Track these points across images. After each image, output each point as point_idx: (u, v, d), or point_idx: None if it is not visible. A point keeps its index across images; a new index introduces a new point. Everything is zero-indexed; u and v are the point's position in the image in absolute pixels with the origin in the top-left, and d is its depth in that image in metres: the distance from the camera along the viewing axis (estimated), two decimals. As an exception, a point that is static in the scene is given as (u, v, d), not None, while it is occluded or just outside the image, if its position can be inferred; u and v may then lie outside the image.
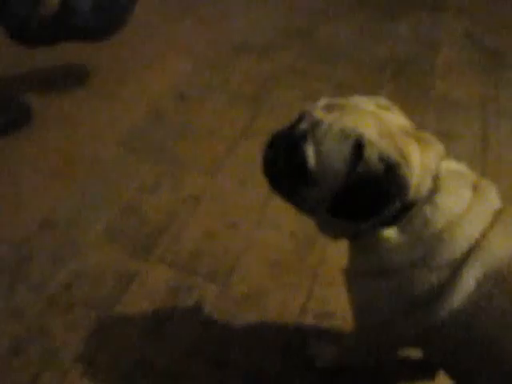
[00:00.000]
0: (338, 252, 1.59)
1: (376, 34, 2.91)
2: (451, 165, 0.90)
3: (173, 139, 2.09)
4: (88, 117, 2.21)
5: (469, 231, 0.81)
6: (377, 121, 0.86)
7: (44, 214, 1.75)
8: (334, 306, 1.47)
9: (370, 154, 0.81)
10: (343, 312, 1.44)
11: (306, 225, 1.70)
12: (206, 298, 1.49)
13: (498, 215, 0.84)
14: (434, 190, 0.84)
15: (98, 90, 2.39)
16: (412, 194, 0.83)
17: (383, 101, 0.95)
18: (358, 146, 0.83)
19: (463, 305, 0.81)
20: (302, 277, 1.55)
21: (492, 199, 0.87)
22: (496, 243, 0.81)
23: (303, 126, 0.89)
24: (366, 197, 0.83)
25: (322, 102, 0.93)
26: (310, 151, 0.86)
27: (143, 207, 1.78)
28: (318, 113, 0.89)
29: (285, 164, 0.92)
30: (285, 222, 1.72)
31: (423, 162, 0.84)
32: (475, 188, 0.86)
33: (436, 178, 0.85)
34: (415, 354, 1.32)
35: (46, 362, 1.34)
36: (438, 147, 0.89)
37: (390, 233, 0.85)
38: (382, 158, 0.81)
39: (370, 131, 0.84)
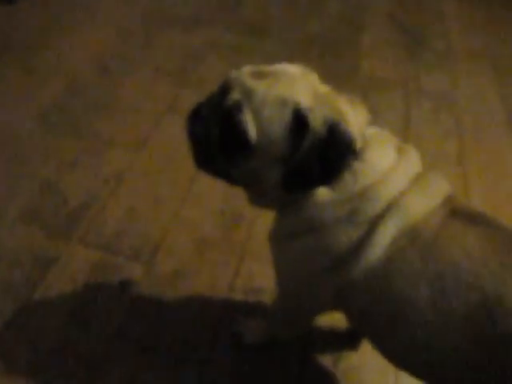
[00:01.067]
0: (265, 228, 1.59)
1: (305, 10, 2.91)
2: (376, 130, 0.91)
3: (94, 114, 1.99)
4: (0, 89, 2.06)
5: (390, 189, 0.83)
6: (309, 85, 0.85)
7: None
8: (261, 281, 1.47)
9: (313, 120, 0.81)
10: (271, 287, 1.45)
11: (232, 201, 1.68)
12: (131, 278, 1.45)
13: (418, 177, 0.86)
14: (363, 148, 0.85)
15: (11, 60, 2.23)
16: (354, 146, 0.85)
17: (302, 68, 0.93)
18: (298, 113, 0.81)
19: (379, 260, 0.82)
20: (229, 253, 1.54)
21: (414, 162, 0.89)
22: (412, 202, 0.83)
23: (235, 95, 0.84)
24: (318, 165, 0.81)
25: (247, 69, 0.88)
26: (248, 121, 0.82)
27: (62, 186, 1.69)
28: (248, 81, 0.85)
29: (220, 137, 0.87)
30: (211, 199, 1.69)
31: (356, 120, 0.86)
32: (399, 150, 0.88)
33: (364, 137, 0.86)
34: (339, 323, 1.36)
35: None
36: (364, 109, 0.91)
37: (323, 192, 0.85)
38: (324, 121, 0.81)
39: (305, 96, 0.82)
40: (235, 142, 0.84)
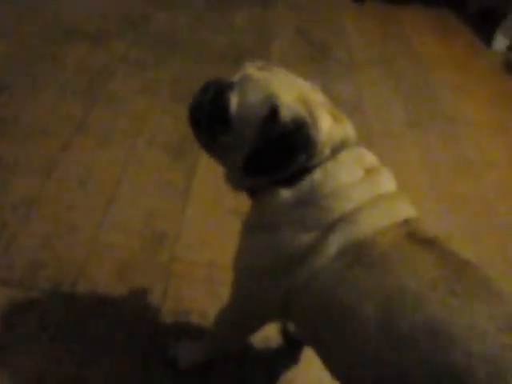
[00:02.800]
0: (188, 247, 1.56)
1: (213, 23, 2.92)
2: (360, 150, 0.94)
3: (-5, 137, 1.84)
4: None
5: (344, 203, 0.86)
6: (298, 87, 0.93)
7: None
8: (189, 303, 1.44)
9: (284, 115, 0.87)
10: (200, 308, 1.41)
11: (152, 221, 1.64)
12: (50, 315, 1.35)
13: (380, 197, 0.89)
14: (329, 158, 0.89)
15: None
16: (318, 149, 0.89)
17: (260, 62, 1.01)
18: (274, 105, 0.88)
19: (324, 270, 0.84)
20: (154, 276, 1.49)
21: (381, 184, 0.92)
22: (365, 219, 0.85)
23: (236, 77, 0.95)
24: (275, 152, 0.88)
25: (259, 63, 0.99)
26: (233, 99, 0.92)
27: (-37, 219, 1.55)
28: (251, 69, 0.96)
29: (209, 108, 0.96)
30: (130, 221, 1.63)
31: (330, 131, 0.89)
32: (369, 170, 0.91)
33: (336, 149, 0.90)
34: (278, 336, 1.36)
35: None
36: (348, 127, 0.94)
37: (283, 191, 0.90)
38: (295, 119, 0.87)
39: (289, 95, 0.89)
40: (218, 114, 0.93)
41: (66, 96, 2.10)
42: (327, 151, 0.90)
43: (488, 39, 3.29)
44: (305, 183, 0.88)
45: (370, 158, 0.95)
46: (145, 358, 1.29)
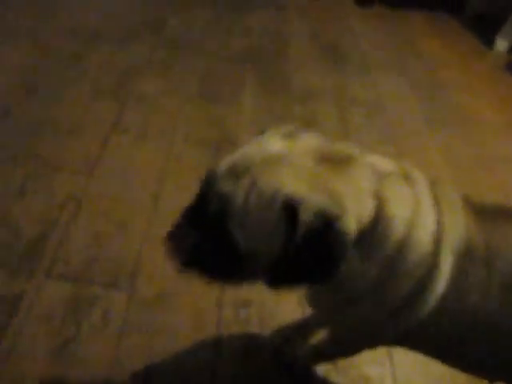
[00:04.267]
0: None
1: (228, 27, 2.94)
2: (378, 162, 0.84)
3: (31, 137, 1.81)
4: None
5: (426, 227, 0.80)
6: (293, 168, 0.74)
7: None
8: (248, 292, 1.43)
9: (304, 213, 0.70)
10: (259, 298, 1.40)
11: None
12: (112, 309, 1.32)
13: (435, 199, 0.84)
14: (381, 206, 0.77)
15: None
16: (356, 228, 0.76)
17: (288, 128, 0.84)
18: (288, 208, 0.71)
19: (446, 289, 0.81)
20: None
21: (421, 182, 0.86)
22: (451, 226, 0.82)
23: (214, 206, 0.75)
24: (309, 262, 0.73)
25: (222, 169, 0.77)
26: (236, 232, 0.73)
27: (12, 217, 1.51)
28: (225, 186, 0.75)
29: (213, 249, 0.78)
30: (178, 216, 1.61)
31: (356, 190, 0.76)
32: (407, 180, 0.84)
33: (377, 196, 0.78)
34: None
35: None
36: (363, 161, 0.81)
37: (350, 268, 0.78)
38: (319, 215, 0.70)
39: (294, 185, 0.72)
40: (227, 252, 0.76)
41: (96, 96, 2.08)
42: (368, 209, 0.76)
43: (489, 41, 3.40)
44: (372, 243, 0.78)
45: (391, 164, 0.86)
46: (215, 343, 1.28)
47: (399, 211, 0.78)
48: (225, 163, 0.78)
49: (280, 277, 0.76)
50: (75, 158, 1.76)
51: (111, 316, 1.30)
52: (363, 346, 1.01)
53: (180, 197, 1.69)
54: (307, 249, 0.71)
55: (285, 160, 0.75)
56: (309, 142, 0.79)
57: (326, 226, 0.71)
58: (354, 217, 0.74)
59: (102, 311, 1.31)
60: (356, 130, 2.24)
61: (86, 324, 1.28)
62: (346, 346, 1.06)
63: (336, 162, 0.77)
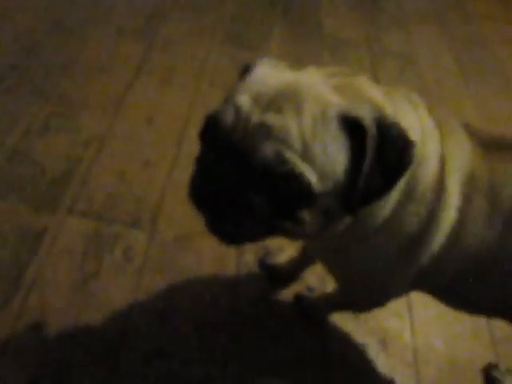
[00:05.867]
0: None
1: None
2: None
3: (58, 76, 1.78)
4: None
5: (433, 148, 0.76)
6: (329, 87, 0.68)
7: None
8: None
9: (364, 118, 0.64)
10: (278, 243, 1.39)
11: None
12: (133, 247, 1.33)
13: (436, 121, 0.80)
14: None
15: None
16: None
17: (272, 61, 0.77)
18: (347, 123, 0.64)
19: (456, 220, 0.77)
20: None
21: (422, 106, 0.81)
22: (454, 149, 0.78)
23: (266, 149, 0.63)
24: (380, 174, 0.66)
25: (245, 101, 0.67)
26: (304, 169, 0.63)
27: (35, 154, 1.50)
28: (268, 118, 0.64)
29: (272, 203, 0.67)
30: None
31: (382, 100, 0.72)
32: (410, 102, 0.80)
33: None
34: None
35: None
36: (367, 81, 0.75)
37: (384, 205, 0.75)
38: (378, 122, 0.65)
39: (340, 100, 0.66)
40: (293, 198, 0.66)
41: (122, 37, 2.03)
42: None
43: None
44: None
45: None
46: (234, 284, 1.28)
47: (412, 128, 0.74)
48: (245, 98, 0.67)
49: (356, 200, 0.67)
50: (100, 98, 1.73)
51: (132, 254, 1.31)
52: (374, 292, 0.96)
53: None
54: (381, 158, 0.65)
55: (310, 83, 0.68)
56: (311, 71, 0.72)
57: (389, 131, 0.66)
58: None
59: (123, 249, 1.32)
60: (386, 83, 2.16)
61: (107, 261, 1.28)
62: (355, 293, 1.02)
63: (350, 86, 0.70)
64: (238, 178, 0.66)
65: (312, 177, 0.64)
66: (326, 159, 0.64)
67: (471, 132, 0.82)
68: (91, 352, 1.12)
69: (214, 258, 1.33)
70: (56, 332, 1.13)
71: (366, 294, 0.98)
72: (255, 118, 0.65)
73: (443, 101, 2.11)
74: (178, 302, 1.23)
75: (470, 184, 0.77)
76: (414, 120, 0.76)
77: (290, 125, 0.63)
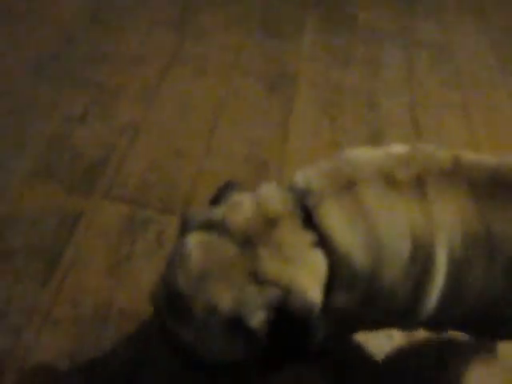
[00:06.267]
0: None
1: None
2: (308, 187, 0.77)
3: (93, 65, 1.84)
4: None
5: (396, 235, 0.73)
6: (222, 276, 0.71)
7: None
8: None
9: (252, 320, 0.68)
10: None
11: (256, 148, 1.62)
12: (165, 232, 1.37)
13: (418, 186, 0.75)
14: (330, 247, 0.72)
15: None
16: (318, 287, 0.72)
17: (208, 214, 0.79)
18: (235, 324, 0.70)
19: (445, 286, 0.76)
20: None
21: (371, 178, 0.76)
22: (442, 215, 0.74)
23: (171, 342, 0.81)
24: (286, 350, 0.71)
25: (161, 293, 0.77)
26: (201, 361, 0.79)
27: (73, 141, 1.56)
28: (170, 323, 0.77)
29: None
30: (233, 149, 1.62)
31: (294, 255, 0.71)
32: (348, 185, 0.75)
33: (321, 239, 0.73)
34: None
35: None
36: (288, 212, 0.74)
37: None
38: (267, 307, 0.68)
39: (226, 299, 0.69)
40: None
41: (158, 27, 2.08)
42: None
43: None
44: (344, 280, 0.74)
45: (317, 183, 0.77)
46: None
47: (349, 240, 0.72)
48: (162, 292, 0.77)
49: (265, 365, 0.76)
50: (135, 87, 1.78)
51: (164, 239, 1.35)
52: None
53: (235, 130, 1.70)
54: (275, 342, 0.69)
55: (210, 271, 0.71)
56: (226, 225, 0.74)
57: (280, 313, 0.68)
58: (303, 285, 0.69)
59: (156, 234, 1.36)
60: (420, 75, 2.14)
61: (139, 244, 1.33)
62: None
63: (260, 236, 0.72)
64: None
65: (210, 363, 0.77)
66: (220, 351, 0.74)
67: (460, 176, 0.77)
68: (122, 329, 1.16)
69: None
70: (91, 309, 1.18)
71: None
72: (167, 320, 0.77)
73: (478, 96, 2.08)
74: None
75: (464, 246, 0.74)
76: (350, 229, 0.72)
77: (185, 334, 0.74)
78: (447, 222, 0.74)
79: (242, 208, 0.76)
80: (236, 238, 0.73)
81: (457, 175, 0.77)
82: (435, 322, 0.83)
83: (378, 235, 0.72)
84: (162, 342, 0.86)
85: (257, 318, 0.68)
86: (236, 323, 0.68)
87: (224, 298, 0.69)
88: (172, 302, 0.74)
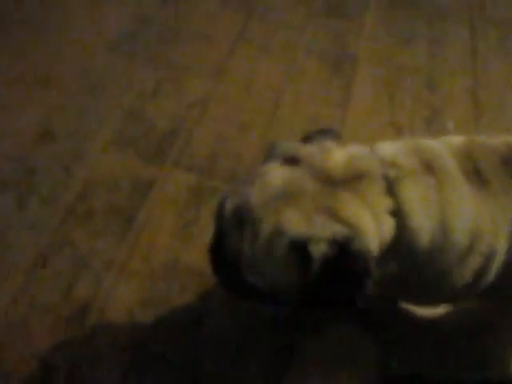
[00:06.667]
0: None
1: None
2: (392, 159, 0.81)
3: (166, 44, 1.97)
4: (70, 23, 2.04)
5: (461, 221, 0.78)
6: (299, 203, 0.74)
7: (40, 127, 1.64)
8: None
9: (314, 249, 0.71)
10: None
11: (318, 125, 1.69)
12: (228, 201, 1.48)
13: (468, 175, 0.80)
14: (402, 220, 0.76)
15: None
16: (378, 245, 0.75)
17: (292, 150, 0.83)
18: (297, 249, 0.72)
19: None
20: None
21: (446, 164, 0.81)
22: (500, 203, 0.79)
23: (228, 258, 0.80)
24: (334, 290, 0.74)
25: (229, 209, 0.79)
26: (253, 280, 0.78)
27: (147, 114, 1.70)
28: (231, 237, 0.79)
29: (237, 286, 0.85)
30: (296, 124, 1.70)
31: (369, 208, 0.74)
32: (428, 171, 0.79)
33: (397, 209, 0.76)
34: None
35: (76, 271, 1.30)
36: (374, 174, 0.77)
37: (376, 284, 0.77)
38: (331, 243, 0.71)
39: (297, 224, 0.72)
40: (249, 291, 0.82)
41: (226, 6, 2.17)
42: (389, 227, 0.75)
43: None
44: (401, 253, 0.78)
45: (404, 154, 0.82)
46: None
47: (421, 220, 0.76)
48: (231, 204, 0.79)
49: (309, 303, 0.80)
50: (203, 65, 1.89)
51: (227, 207, 1.47)
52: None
53: (299, 107, 1.78)
54: (328, 279, 0.71)
55: (285, 196, 0.75)
56: (313, 163, 0.78)
57: (341, 251, 0.70)
58: (370, 234, 0.73)
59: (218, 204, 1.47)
60: (486, 56, 2.11)
61: (205, 211, 1.45)
62: None
63: (344, 182, 0.76)
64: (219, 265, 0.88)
65: (259, 284, 0.77)
66: (274, 277, 0.76)
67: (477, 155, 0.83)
68: (187, 284, 1.30)
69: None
70: (160, 265, 1.33)
71: None
72: (229, 234, 0.80)
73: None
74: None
75: None
76: (425, 207, 0.77)
77: (246, 248, 0.76)
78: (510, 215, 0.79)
79: (332, 153, 0.80)
80: (319, 176, 0.76)
81: (474, 147, 0.84)
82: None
83: (447, 224, 0.77)
84: (210, 258, 0.90)
85: (319, 248, 0.70)
86: (299, 248, 0.71)
87: (293, 222, 0.72)
88: (241, 215, 0.76)
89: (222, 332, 1.21)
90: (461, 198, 0.78)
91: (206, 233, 1.37)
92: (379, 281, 0.75)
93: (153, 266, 1.32)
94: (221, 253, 0.83)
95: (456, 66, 2.03)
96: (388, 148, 0.85)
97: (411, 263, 0.79)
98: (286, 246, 0.72)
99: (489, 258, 0.79)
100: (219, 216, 0.82)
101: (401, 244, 0.76)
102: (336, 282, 0.72)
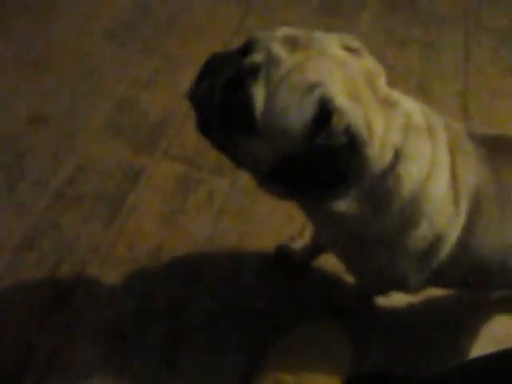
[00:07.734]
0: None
1: None
2: (411, 111, 0.81)
3: (162, 34, 1.98)
4: (69, 9, 2.04)
5: (439, 183, 0.80)
6: (345, 74, 0.70)
7: (33, 110, 1.65)
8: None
9: (338, 123, 0.66)
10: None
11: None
12: (216, 191, 1.51)
13: (451, 147, 0.83)
14: (396, 162, 0.75)
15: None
16: (370, 168, 0.73)
17: (353, 42, 0.78)
18: (323, 108, 0.67)
19: (461, 237, 0.83)
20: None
21: (440, 133, 0.83)
22: (464, 173, 0.82)
23: (256, 57, 0.69)
24: (316, 170, 0.69)
25: (280, 31, 0.73)
26: (259, 94, 0.68)
27: (140, 102, 1.72)
28: (277, 47, 0.69)
29: (222, 102, 0.73)
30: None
31: (386, 133, 0.73)
32: (428, 131, 0.81)
33: (399, 149, 0.75)
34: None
35: (61, 255, 1.33)
36: (401, 109, 0.77)
37: (342, 206, 0.76)
38: (348, 131, 0.67)
39: (338, 89, 0.68)
40: (236, 114, 0.71)
41: (224, 1, 2.18)
42: (388, 155, 0.74)
43: None
44: (377, 193, 0.76)
45: (418, 114, 0.82)
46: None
47: (412, 172, 0.76)
48: (284, 30, 0.73)
49: (280, 171, 0.72)
50: (197, 57, 1.88)
51: (214, 197, 1.49)
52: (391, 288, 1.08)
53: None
54: (320, 155, 0.67)
55: (341, 64, 0.71)
56: (365, 63, 0.75)
57: (350, 144, 0.67)
58: (377, 151, 0.72)
59: (207, 192, 1.50)
60: (478, 62, 2.14)
61: (192, 200, 1.47)
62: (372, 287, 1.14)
63: (380, 96, 0.74)
64: (226, 66, 0.75)
65: (259, 103, 0.68)
66: (281, 108, 0.68)
67: (474, 138, 0.89)
68: (171, 271, 1.32)
69: (286, 209, 1.47)
70: (145, 252, 1.35)
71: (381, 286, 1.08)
72: (275, 44, 0.70)
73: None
74: (249, 246, 1.40)
75: (479, 201, 0.83)
76: (419, 162, 0.78)
77: (285, 61, 0.68)
78: (468, 179, 0.83)
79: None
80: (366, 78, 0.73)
81: (472, 134, 0.89)
82: (444, 276, 0.91)
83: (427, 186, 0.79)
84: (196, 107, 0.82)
85: (338, 125, 0.67)
86: (327, 110, 0.66)
87: (337, 84, 0.68)
88: (298, 42, 0.71)
89: (205, 319, 1.24)
90: (443, 166, 0.81)
91: (191, 222, 1.42)
92: (358, 193, 0.75)
93: (137, 252, 1.35)
94: (238, 57, 0.73)
95: (448, 71, 2.06)
96: (408, 101, 0.86)
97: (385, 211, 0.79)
98: (317, 97, 0.67)
99: (445, 233, 0.82)
100: (257, 35, 0.75)
101: (383, 185, 0.76)
102: (326, 163, 0.68)
